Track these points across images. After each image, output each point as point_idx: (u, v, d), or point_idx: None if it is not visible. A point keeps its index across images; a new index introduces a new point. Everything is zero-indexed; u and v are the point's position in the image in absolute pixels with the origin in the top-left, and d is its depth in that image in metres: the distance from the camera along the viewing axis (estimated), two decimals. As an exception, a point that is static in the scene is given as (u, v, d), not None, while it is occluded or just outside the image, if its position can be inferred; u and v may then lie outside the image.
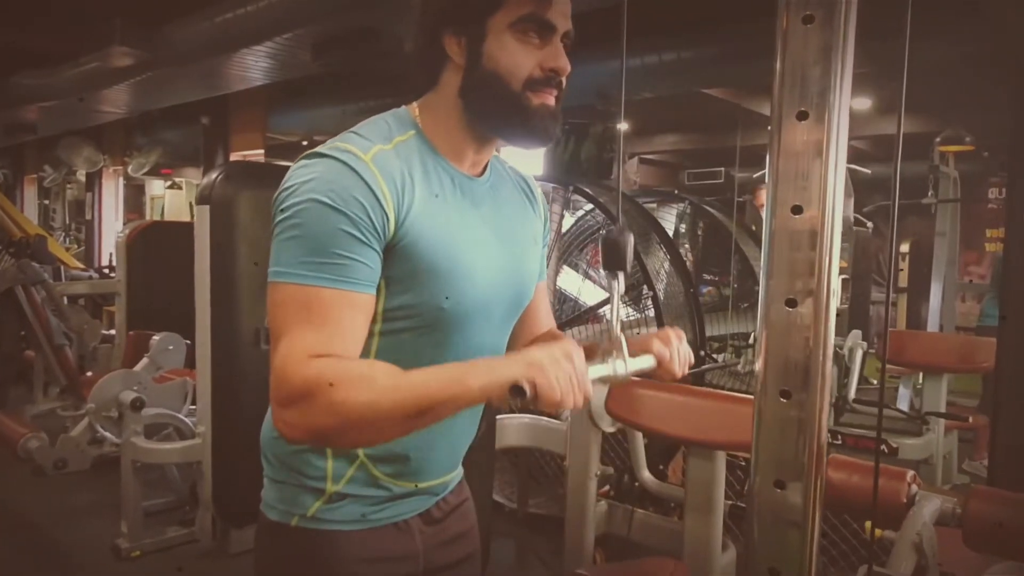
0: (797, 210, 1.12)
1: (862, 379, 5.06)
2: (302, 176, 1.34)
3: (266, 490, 1.57)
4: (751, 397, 3.06)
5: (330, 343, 1.30)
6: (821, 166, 1.10)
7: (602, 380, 1.37)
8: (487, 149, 1.54)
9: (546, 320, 1.80)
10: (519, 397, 1.20)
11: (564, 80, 1.47)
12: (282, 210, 1.33)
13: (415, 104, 1.52)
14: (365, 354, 1.39)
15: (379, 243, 1.35)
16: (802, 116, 1.11)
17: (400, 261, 1.38)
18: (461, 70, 1.46)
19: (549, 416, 3.78)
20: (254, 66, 6.36)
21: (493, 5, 1.41)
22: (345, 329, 1.32)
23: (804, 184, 1.11)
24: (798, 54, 1.11)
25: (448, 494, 1.68)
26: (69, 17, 6.44)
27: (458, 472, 1.73)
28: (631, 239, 1.50)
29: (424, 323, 1.43)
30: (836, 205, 1.11)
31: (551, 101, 1.45)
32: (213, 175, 4.09)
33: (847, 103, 1.11)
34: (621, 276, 1.49)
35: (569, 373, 1.21)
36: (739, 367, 5.14)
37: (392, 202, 1.35)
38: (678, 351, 1.50)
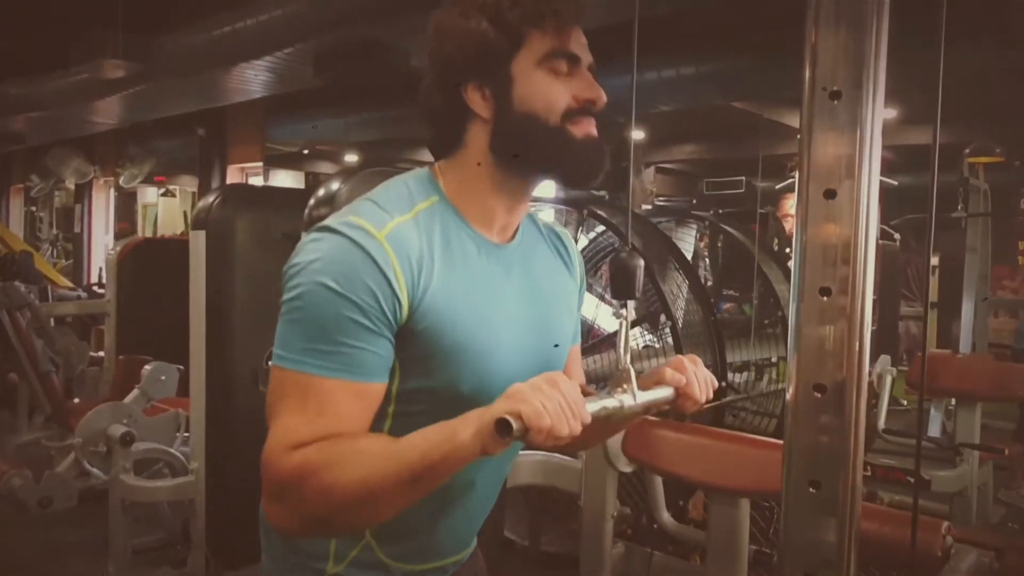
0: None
1: (892, 400, 5.01)
2: (310, 254, 1.30)
3: (263, 567, 1.53)
4: (777, 441, 3.01)
5: (325, 432, 1.26)
6: (853, 184, 1.07)
7: (608, 416, 1.29)
8: (519, 210, 1.49)
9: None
10: (506, 435, 1.14)
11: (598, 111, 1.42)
12: (288, 288, 1.30)
13: (437, 165, 1.47)
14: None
15: (391, 329, 1.31)
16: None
17: (416, 343, 1.33)
18: (489, 123, 1.40)
19: (562, 453, 3.73)
20: (253, 79, 6.38)
21: (514, 46, 1.37)
22: (343, 417, 1.29)
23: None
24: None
25: (460, 569, 1.63)
26: (59, 26, 6.43)
27: (472, 545, 1.67)
28: (640, 265, 1.46)
29: (442, 406, 1.35)
30: (871, 222, 1.08)
31: (594, 131, 1.41)
32: (210, 199, 4.06)
33: (880, 114, 1.08)
34: (631, 305, 1.43)
35: (556, 399, 1.16)
36: (762, 386, 5.09)
37: (406, 285, 1.30)
38: (696, 375, 1.40)
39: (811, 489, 1.12)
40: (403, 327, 1.32)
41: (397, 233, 1.32)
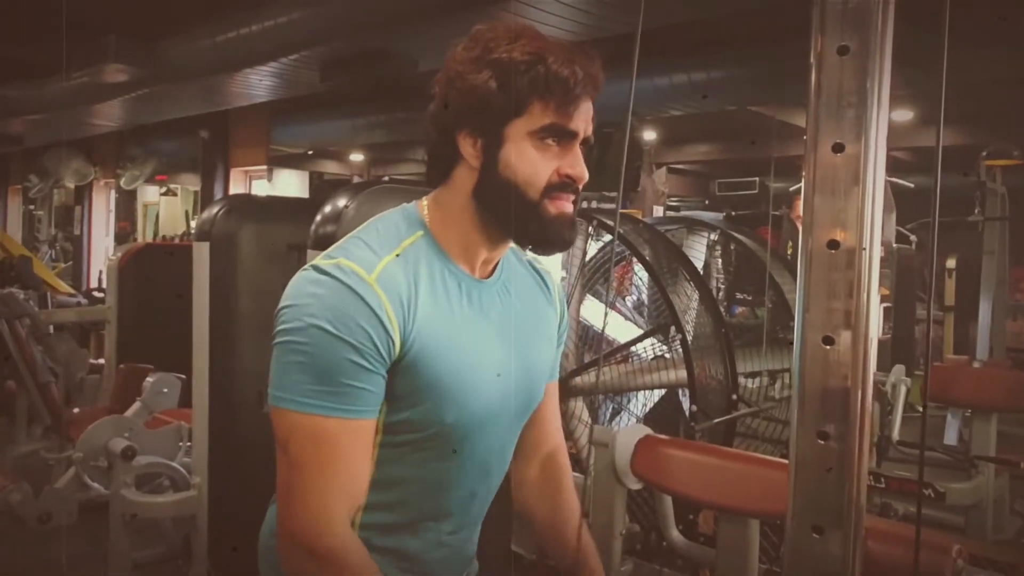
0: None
1: (908, 407, 5.00)
2: (306, 296, 1.37)
3: None
4: (786, 462, 3.02)
5: (340, 484, 1.37)
6: (858, 199, 1.09)
7: None
8: (500, 249, 1.55)
9: (553, 427, 1.82)
10: None
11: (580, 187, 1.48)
12: (285, 331, 1.36)
13: (425, 200, 1.54)
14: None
15: (384, 367, 1.38)
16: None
17: (402, 378, 1.40)
18: (476, 171, 1.47)
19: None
20: (258, 84, 6.41)
21: (514, 111, 1.42)
22: (353, 466, 1.40)
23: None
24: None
25: None
26: (62, 30, 6.43)
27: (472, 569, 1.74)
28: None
29: (427, 437, 1.46)
30: (875, 241, 1.10)
31: (568, 208, 1.48)
32: (214, 209, 4.07)
33: (884, 132, 1.10)
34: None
35: None
36: (774, 392, 5.08)
37: (398, 325, 1.38)
38: None
39: (814, 535, 1.14)
40: (394, 363, 1.39)
41: (386, 274, 1.39)
